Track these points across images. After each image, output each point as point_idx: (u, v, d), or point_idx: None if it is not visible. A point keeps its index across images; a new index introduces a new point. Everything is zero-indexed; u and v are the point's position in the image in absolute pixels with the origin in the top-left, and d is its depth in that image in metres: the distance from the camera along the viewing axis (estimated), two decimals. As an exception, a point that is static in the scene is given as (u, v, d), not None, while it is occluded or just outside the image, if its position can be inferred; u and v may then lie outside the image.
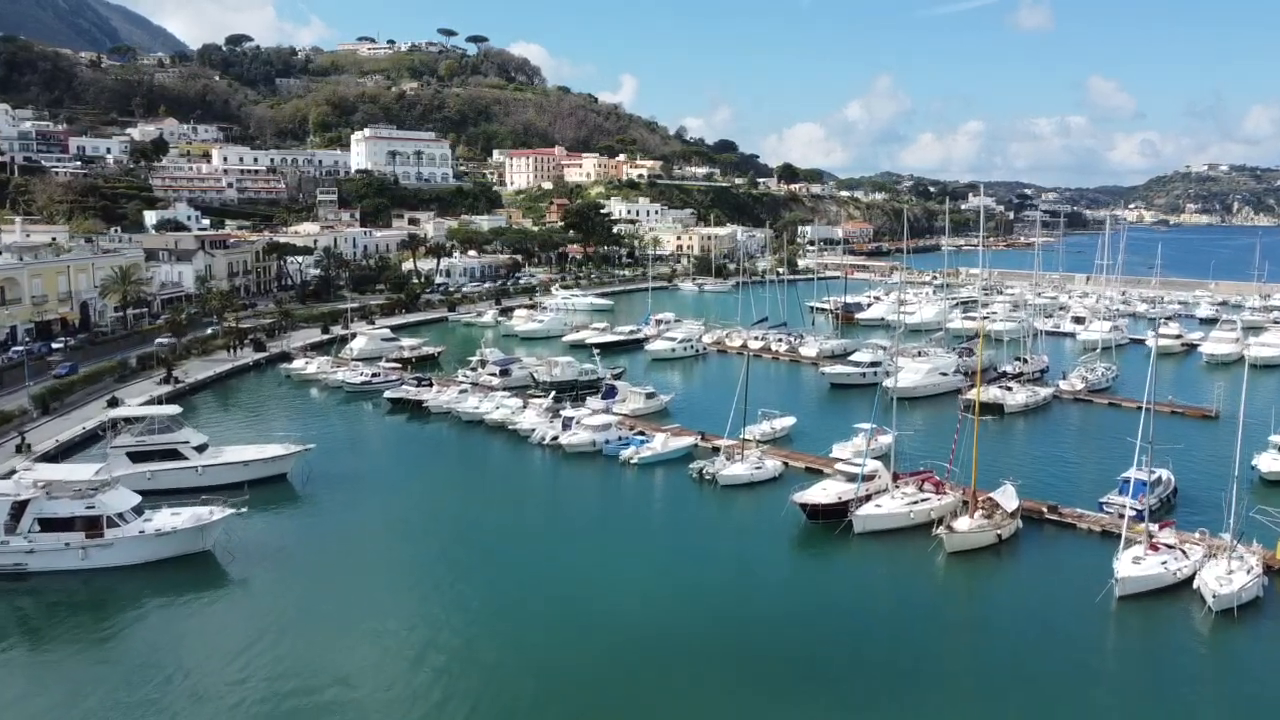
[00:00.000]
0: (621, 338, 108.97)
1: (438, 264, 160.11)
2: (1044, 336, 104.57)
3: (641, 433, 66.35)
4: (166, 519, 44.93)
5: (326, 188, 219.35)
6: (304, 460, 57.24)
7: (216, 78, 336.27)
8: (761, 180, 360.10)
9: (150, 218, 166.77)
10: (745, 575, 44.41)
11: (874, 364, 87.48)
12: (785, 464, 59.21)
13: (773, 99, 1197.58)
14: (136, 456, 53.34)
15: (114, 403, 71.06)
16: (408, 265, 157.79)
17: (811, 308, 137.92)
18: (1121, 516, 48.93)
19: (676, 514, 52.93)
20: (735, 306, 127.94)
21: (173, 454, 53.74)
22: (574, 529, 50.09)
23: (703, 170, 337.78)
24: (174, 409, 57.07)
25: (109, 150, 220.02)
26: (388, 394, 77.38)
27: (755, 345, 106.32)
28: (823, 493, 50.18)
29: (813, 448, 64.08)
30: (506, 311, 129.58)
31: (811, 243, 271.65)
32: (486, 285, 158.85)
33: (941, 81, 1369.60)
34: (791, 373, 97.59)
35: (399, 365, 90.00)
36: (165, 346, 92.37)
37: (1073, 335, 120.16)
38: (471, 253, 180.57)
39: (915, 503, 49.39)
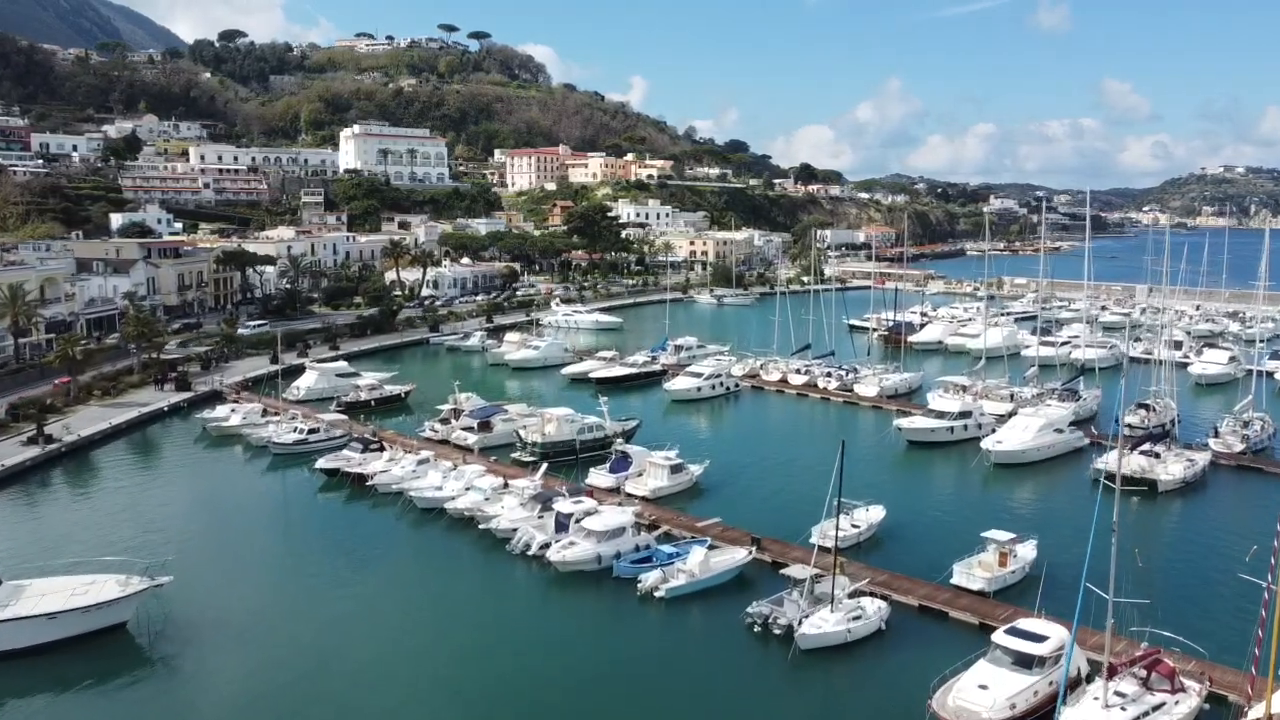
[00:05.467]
0: (634, 370, 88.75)
1: (424, 274, 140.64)
2: (1168, 368, 76.77)
3: (668, 534, 46.63)
4: None
5: (312, 189, 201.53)
6: (156, 597, 37.49)
7: (207, 74, 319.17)
8: (777, 181, 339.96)
9: (117, 221, 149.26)
10: None
11: (963, 414, 67.39)
12: (889, 599, 39.12)
13: (781, 101, 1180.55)
14: (-127, 608, 33.91)
15: (-61, 480, 51.93)
16: (390, 276, 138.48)
17: (852, 326, 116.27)
18: None
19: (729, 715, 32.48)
20: (759, 323, 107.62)
21: (-68, 603, 34.32)
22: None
23: (715, 171, 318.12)
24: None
25: (75, 148, 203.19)
26: (320, 463, 57.03)
27: (798, 381, 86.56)
28: (983, 695, 29.65)
29: (913, 560, 44.00)
30: (498, 332, 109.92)
31: (833, 248, 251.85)
32: (479, 298, 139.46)
33: (952, 83, 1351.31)
34: (846, 420, 76.74)
35: (346, 414, 69.80)
36: (59, 387, 73.60)
37: (1173, 365, 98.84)
38: (465, 260, 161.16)
39: (1146, 714, 29.21)
